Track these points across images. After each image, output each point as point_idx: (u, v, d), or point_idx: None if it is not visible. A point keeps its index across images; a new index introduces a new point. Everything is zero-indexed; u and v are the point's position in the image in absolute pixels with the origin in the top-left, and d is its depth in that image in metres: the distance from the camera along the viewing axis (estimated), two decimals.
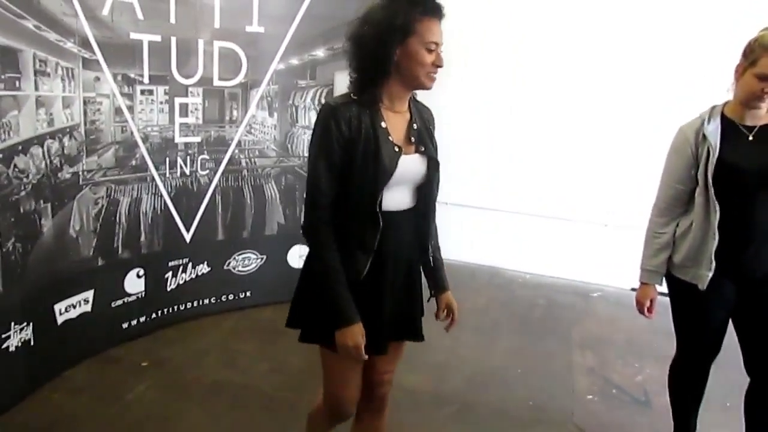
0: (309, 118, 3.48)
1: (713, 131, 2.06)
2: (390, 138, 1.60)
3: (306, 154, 3.47)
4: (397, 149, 1.61)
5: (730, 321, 2.22)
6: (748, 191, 2.03)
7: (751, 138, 2.05)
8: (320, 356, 1.78)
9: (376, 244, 1.62)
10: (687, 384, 2.39)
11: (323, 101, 1.52)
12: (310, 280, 1.70)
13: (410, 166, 1.64)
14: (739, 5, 3.51)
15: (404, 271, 1.74)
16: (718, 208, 2.04)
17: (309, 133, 3.49)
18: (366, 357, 1.63)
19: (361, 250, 1.62)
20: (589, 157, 4.21)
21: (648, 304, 2.24)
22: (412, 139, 1.67)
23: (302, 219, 1.66)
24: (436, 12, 1.58)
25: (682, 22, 3.68)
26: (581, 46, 4.04)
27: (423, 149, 1.68)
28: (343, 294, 1.59)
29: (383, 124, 1.60)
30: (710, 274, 2.08)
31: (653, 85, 3.97)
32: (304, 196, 1.65)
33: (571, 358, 3.29)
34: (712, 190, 2.04)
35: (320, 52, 3.39)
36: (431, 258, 1.80)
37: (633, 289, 4.32)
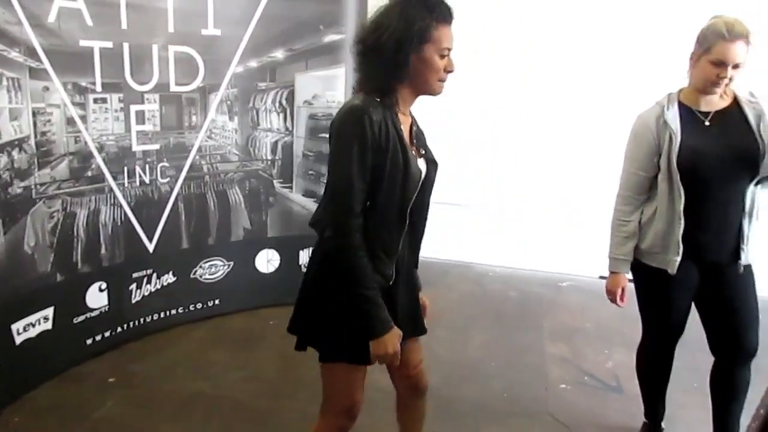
0: (270, 120, 3.43)
1: (673, 117, 2.10)
2: (407, 143, 1.61)
3: (269, 157, 3.47)
4: (413, 153, 1.63)
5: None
6: (709, 175, 2.07)
7: (707, 123, 2.10)
8: (325, 372, 1.74)
9: (400, 246, 1.67)
10: (654, 366, 2.45)
11: (354, 103, 1.55)
12: (329, 294, 1.64)
13: (421, 169, 1.67)
14: None
15: (407, 271, 1.76)
16: (682, 192, 2.08)
17: (271, 135, 3.45)
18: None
19: (387, 255, 1.64)
20: (556, 153, 4.25)
21: (619, 292, 2.27)
22: (414, 141, 1.69)
23: (328, 227, 1.61)
24: (449, 18, 1.60)
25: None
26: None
27: (424, 152, 1.70)
28: (379, 301, 1.57)
29: (402, 128, 1.61)
30: (678, 259, 2.13)
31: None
32: (329, 199, 1.61)
33: (543, 348, 3.31)
34: (677, 176, 2.07)
35: (279, 54, 3.34)
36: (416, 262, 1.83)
37: (602, 278, 4.38)
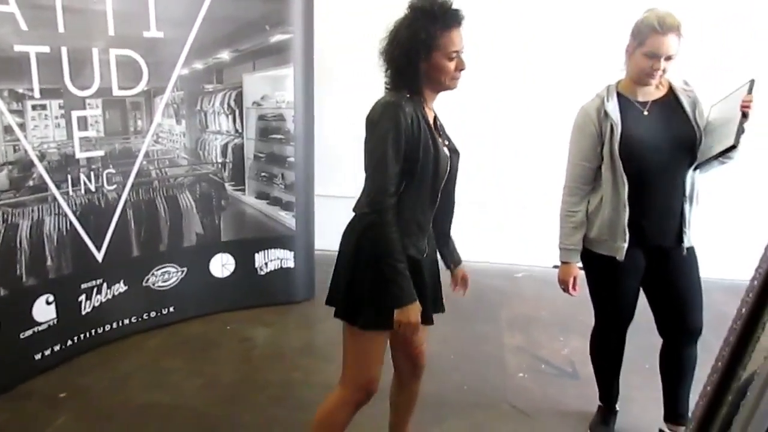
0: (219, 122, 3.38)
1: (613, 108, 2.16)
2: (435, 133, 1.81)
3: (219, 160, 3.42)
4: (440, 141, 1.83)
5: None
6: (650, 162, 2.13)
7: (645, 113, 2.17)
8: (351, 341, 1.89)
9: (431, 223, 1.88)
10: (607, 351, 2.52)
11: (388, 99, 1.76)
12: (360, 262, 1.80)
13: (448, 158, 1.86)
14: None
15: (431, 251, 1.95)
16: (626, 180, 2.14)
17: (221, 138, 3.40)
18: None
19: (420, 231, 1.84)
20: (513, 146, 4.32)
21: (571, 281, 2.33)
22: (440, 133, 1.88)
23: (365, 204, 1.78)
24: (455, 22, 1.74)
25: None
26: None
27: (447, 143, 1.89)
28: (406, 273, 1.74)
29: (430, 121, 1.81)
30: (626, 245, 2.19)
31: None
32: (367, 182, 1.77)
33: (501, 339, 3.37)
34: (619, 164, 2.14)
35: (225, 55, 3.30)
36: (451, 239, 2.07)
37: (555, 267, 4.48)
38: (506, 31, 4.19)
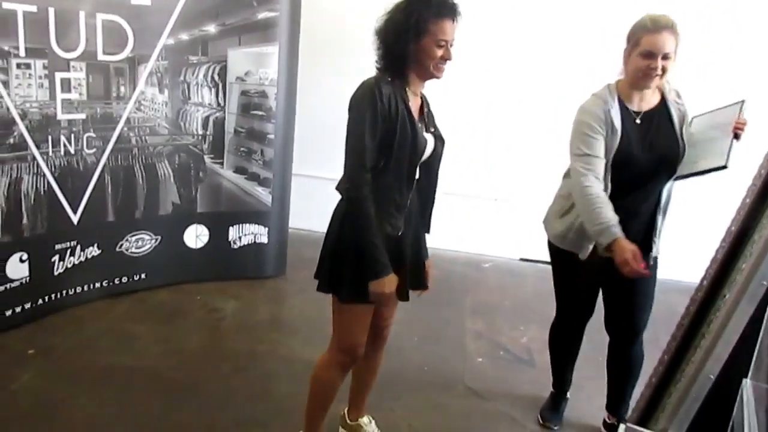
0: (202, 94, 3.42)
1: (616, 114, 2.15)
2: (414, 116, 1.88)
3: (200, 132, 3.45)
4: (420, 125, 1.91)
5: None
6: (634, 172, 2.16)
7: (638, 121, 2.18)
8: (336, 312, 2.01)
9: (408, 202, 1.94)
10: (564, 343, 2.63)
11: (368, 80, 1.86)
12: (343, 240, 1.91)
13: (428, 142, 1.94)
14: None
15: (414, 231, 2.04)
16: (609, 186, 2.15)
17: (202, 110, 3.44)
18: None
19: (397, 210, 1.92)
20: (480, 135, 4.40)
21: (632, 257, 1.95)
22: (426, 119, 1.98)
23: (342, 181, 1.88)
24: (448, 13, 1.82)
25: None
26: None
27: (433, 130, 1.98)
28: (381, 246, 1.84)
29: (410, 104, 1.88)
30: (591, 246, 2.21)
31: None
32: (345, 160, 1.85)
33: (463, 324, 3.48)
34: (609, 170, 2.14)
35: (211, 28, 3.32)
36: (424, 233, 2.13)
37: (522, 260, 4.61)
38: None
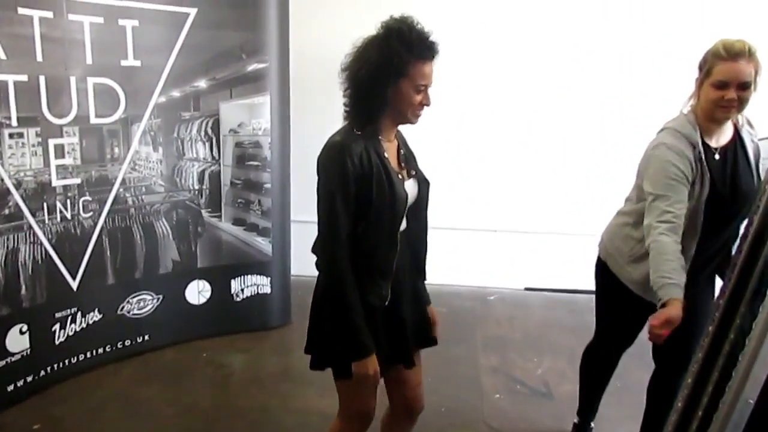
0: (196, 149, 3.41)
1: (703, 156, 1.97)
2: (392, 167, 1.72)
3: (196, 186, 3.43)
4: (400, 176, 1.75)
5: None
6: (717, 212, 1.99)
7: (717, 156, 2.01)
8: (337, 383, 1.86)
9: (394, 267, 1.75)
10: (599, 369, 2.53)
11: (334, 139, 1.69)
12: (324, 315, 1.78)
13: (410, 190, 1.78)
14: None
15: (410, 287, 1.89)
16: (700, 232, 1.99)
17: (197, 165, 3.42)
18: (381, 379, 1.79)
19: (381, 277, 1.75)
20: (476, 167, 4.42)
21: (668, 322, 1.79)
22: (403, 164, 1.81)
23: (319, 255, 1.75)
24: (428, 55, 1.66)
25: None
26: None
27: (414, 173, 1.82)
28: (362, 327, 1.69)
29: (386, 155, 1.72)
30: None
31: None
32: (318, 233, 1.72)
33: (476, 360, 3.42)
34: (702, 214, 1.97)
35: (202, 83, 3.34)
36: (422, 277, 1.97)
37: (527, 289, 4.57)
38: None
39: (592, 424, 2.65)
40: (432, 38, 1.67)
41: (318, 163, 1.70)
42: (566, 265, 4.27)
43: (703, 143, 1.99)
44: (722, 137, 2.04)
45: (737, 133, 2.06)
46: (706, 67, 1.95)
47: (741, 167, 2.03)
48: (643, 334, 2.25)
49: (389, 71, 1.62)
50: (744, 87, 1.90)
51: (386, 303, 1.77)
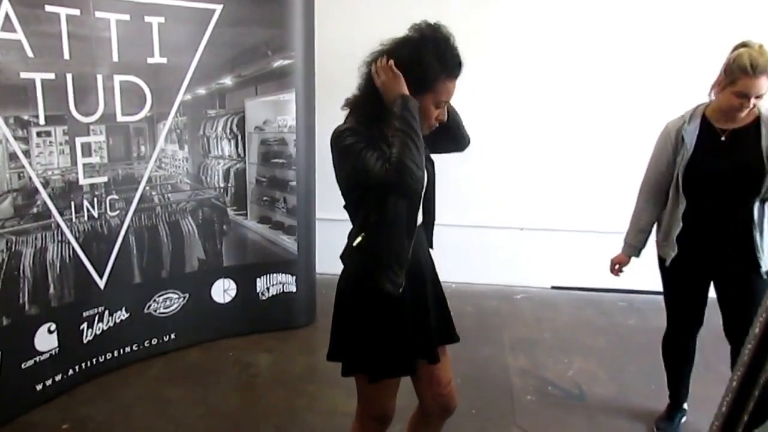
0: (221, 147, 3.38)
1: (691, 132, 2.29)
2: None
3: (221, 184, 3.41)
4: None
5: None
6: (711, 188, 2.28)
7: (723, 138, 2.27)
8: (358, 385, 1.85)
9: (410, 256, 1.73)
10: (676, 353, 2.65)
11: (342, 127, 1.66)
12: (357, 318, 1.75)
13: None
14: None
15: (432, 280, 1.88)
16: (684, 200, 2.31)
17: (223, 162, 3.40)
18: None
19: (398, 263, 1.71)
20: (501, 164, 4.35)
21: (615, 266, 2.60)
22: None
23: (382, 180, 1.59)
24: (457, 73, 1.65)
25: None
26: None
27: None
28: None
29: None
30: (673, 254, 2.38)
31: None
32: (367, 177, 1.59)
33: (505, 361, 3.36)
34: (681, 185, 2.31)
35: (228, 80, 3.31)
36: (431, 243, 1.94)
37: (553, 287, 4.52)
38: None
39: (685, 406, 2.69)
40: (461, 54, 1.64)
41: (332, 149, 1.66)
42: (593, 263, 4.17)
43: (708, 125, 2.28)
44: (734, 123, 2.25)
45: (757, 119, 2.24)
46: (731, 76, 2.14)
47: (749, 149, 2.21)
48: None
49: (417, 84, 1.60)
50: (759, 97, 2.16)
51: (399, 291, 1.72)
